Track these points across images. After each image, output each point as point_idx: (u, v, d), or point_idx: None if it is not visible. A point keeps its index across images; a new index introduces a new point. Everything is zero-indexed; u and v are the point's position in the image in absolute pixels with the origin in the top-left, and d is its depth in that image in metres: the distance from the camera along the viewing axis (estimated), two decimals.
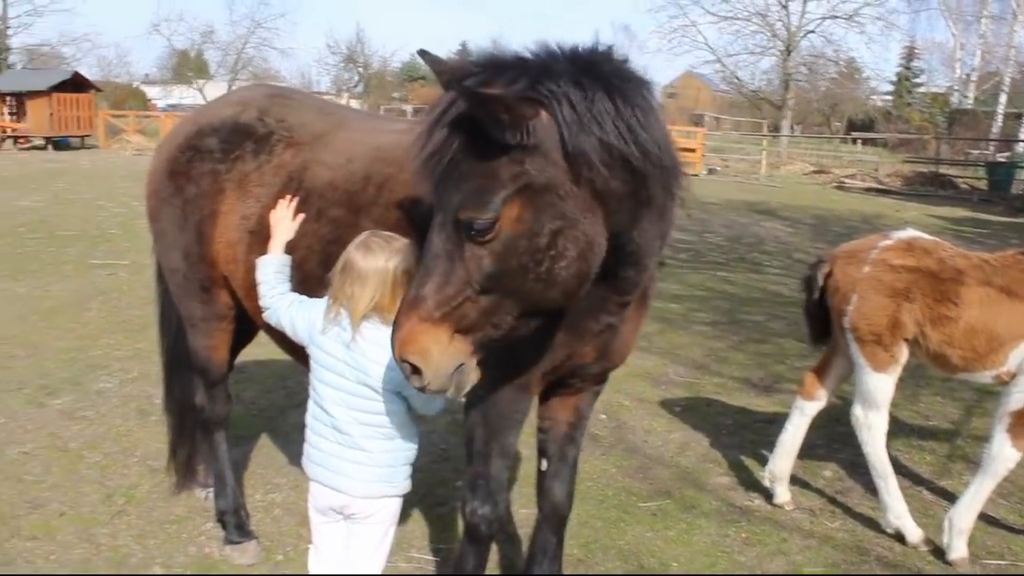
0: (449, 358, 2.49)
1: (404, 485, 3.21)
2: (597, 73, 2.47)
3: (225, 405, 4.31)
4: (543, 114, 2.39)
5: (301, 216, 3.34)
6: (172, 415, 4.67)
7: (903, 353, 4.62)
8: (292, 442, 5.60)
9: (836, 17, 43.45)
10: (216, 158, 3.75)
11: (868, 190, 28.76)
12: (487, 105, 2.31)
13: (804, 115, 54.85)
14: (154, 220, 4.01)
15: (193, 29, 79.09)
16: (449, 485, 5.16)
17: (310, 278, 3.34)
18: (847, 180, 30.72)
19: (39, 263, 11.35)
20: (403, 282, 2.91)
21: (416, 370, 2.51)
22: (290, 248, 3.32)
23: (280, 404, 6.43)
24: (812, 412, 5.15)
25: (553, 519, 3.63)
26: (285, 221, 3.32)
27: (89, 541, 4.38)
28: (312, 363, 3.16)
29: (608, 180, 2.45)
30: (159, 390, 6.41)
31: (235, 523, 4.31)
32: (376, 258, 2.94)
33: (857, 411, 4.78)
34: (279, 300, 3.25)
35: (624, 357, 3.37)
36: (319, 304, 3.14)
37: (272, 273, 3.27)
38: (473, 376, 2.61)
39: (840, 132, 49.61)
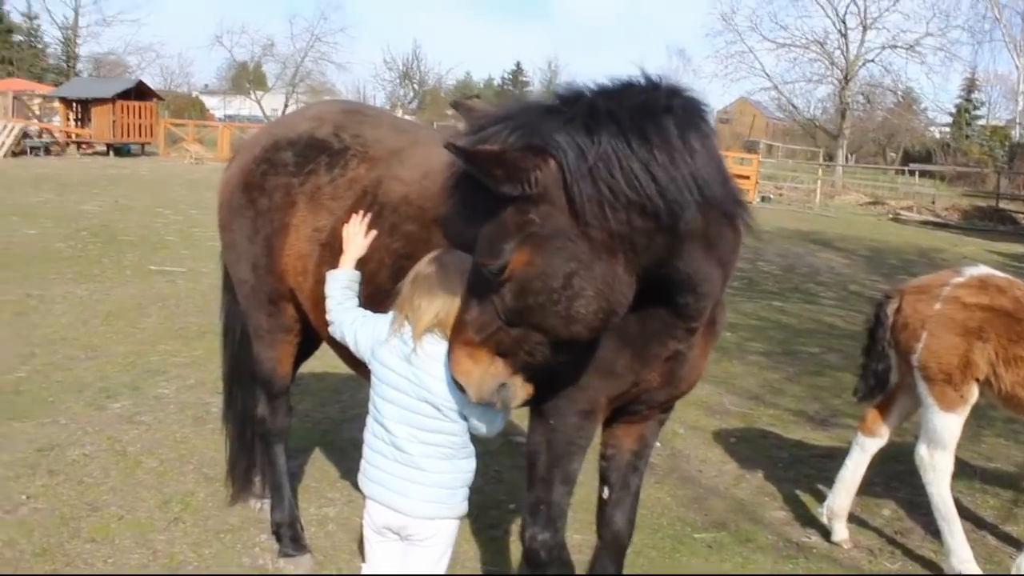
0: (490, 378, 2.65)
1: (461, 507, 3.17)
2: (616, 115, 2.45)
3: (286, 417, 4.34)
4: (551, 163, 2.41)
5: (373, 233, 3.36)
6: (232, 426, 4.71)
7: (973, 393, 4.50)
8: (346, 456, 5.62)
9: (896, 47, 42.98)
10: (290, 171, 3.80)
11: (924, 223, 28.28)
12: (478, 162, 2.38)
13: (859, 145, 54.20)
14: (225, 230, 4.07)
15: (254, 41, 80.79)
16: (503, 507, 5.12)
17: (380, 292, 3.34)
18: (903, 212, 30.25)
19: (100, 267, 11.59)
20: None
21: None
22: (361, 261, 3.33)
23: (335, 417, 6.46)
24: (873, 449, 5.04)
25: (613, 548, 3.58)
26: (357, 237, 3.33)
27: (146, 547, 4.42)
28: (373, 378, 3.15)
29: (626, 222, 2.46)
30: (216, 399, 6.55)
31: (291, 536, 4.32)
32: (448, 274, 2.94)
33: (922, 451, 4.65)
34: (345, 314, 3.26)
35: (691, 384, 3.33)
36: (383, 318, 3.13)
37: (340, 288, 3.28)
38: (520, 392, 2.74)
39: (895, 163, 48.87)
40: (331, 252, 3.52)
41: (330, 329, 3.32)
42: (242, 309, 4.19)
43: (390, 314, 3.10)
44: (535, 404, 3.24)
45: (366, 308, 3.26)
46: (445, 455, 3.06)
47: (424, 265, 2.99)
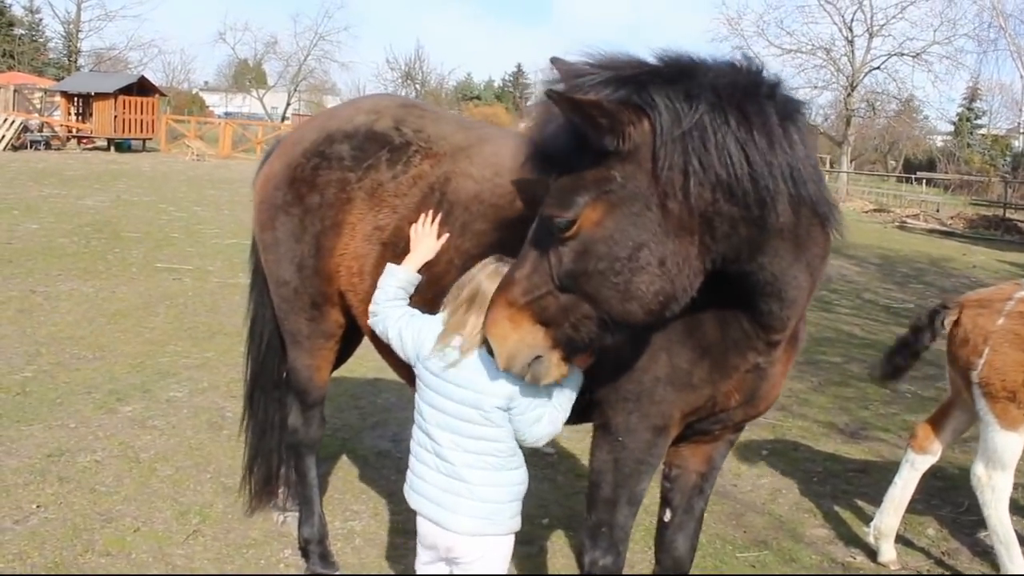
0: (525, 347, 2.47)
1: (510, 524, 2.94)
2: (720, 89, 2.29)
3: (319, 429, 4.10)
4: (645, 123, 2.27)
5: (445, 235, 3.17)
6: (252, 434, 4.45)
7: None
8: (369, 466, 5.40)
9: (903, 54, 42.79)
10: (346, 166, 3.55)
11: (931, 231, 28.09)
12: (583, 110, 2.25)
13: (860, 151, 54.09)
14: (264, 229, 3.81)
15: (257, 39, 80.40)
16: (535, 522, 4.88)
17: (448, 292, 3.10)
18: (909, 220, 30.06)
19: (105, 264, 11.34)
20: None
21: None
22: (428, 263, 3.13)
23: (354, 425, 6.21)
24: (924, 467, 4.83)
25: (673, 573, 3.35)
26: (428, 239, 3.15)
27: (164, 561, 4.19)
28: (418, 383, 2.96)
29: (711, 202, 2.30)
30: (230, 403, 6.34)
31: (320, 552, 4.09)
32: None
33: (979, 470, 4.44)
34: (392, 309, 3.08)
35: (771, 403, 3.10)
36: (433, 322, 2.94)
37: (395, 286, 3.10)
38: (555, 371, 2.54)
39: (896, 170, 48.78)
40: (393, 253, 3.31)
41: (371, 320, 3.14)
42: (277, 313, 3.93)
43: (439, 317, 2.91)
44: (601, 419, 3.04)
45: (431, 311, 3.03)
46: (491, 465, 2.85)
47: (482, 279, 2.80)
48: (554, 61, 2.63)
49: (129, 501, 4.74)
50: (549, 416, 2.81)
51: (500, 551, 2.94)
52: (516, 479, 2.93)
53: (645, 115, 2.27)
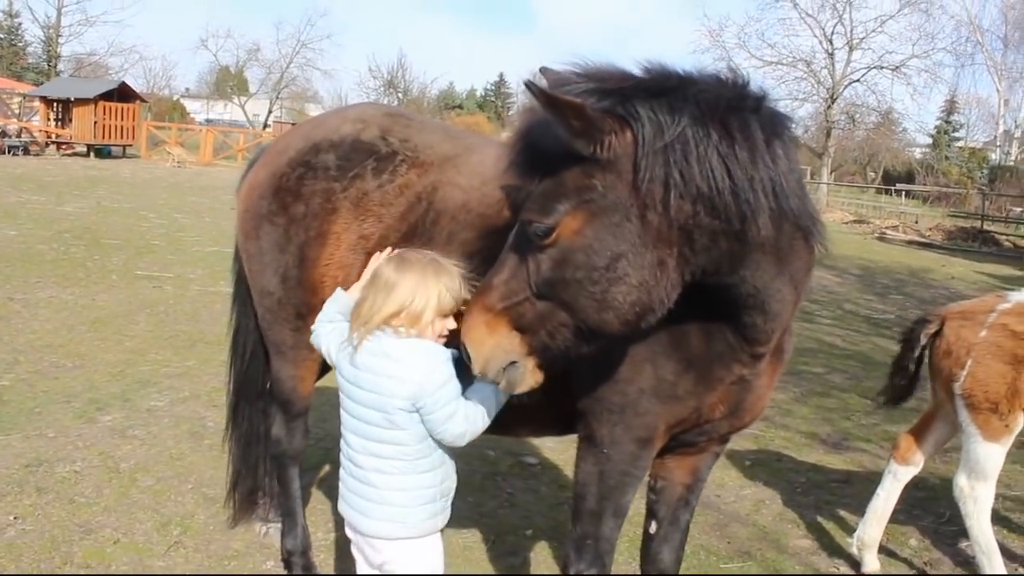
0: (501, 352, 2.45)
1: (422, 527, 2.87)
2: (704, 102, 2.29)
3: (303, 440, 4.06)
4: (627, 134, 2.27)
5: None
6: (235, 445, 4.39)
7: (1019, 422, 4.31)
8: None
9: (882, 67, 43.21)
10: (332, 176, 3.52)
11: (910, 243, 28.31)
12: (557, 108, 2.24)
13: (839, 163, 54.48)
14: (249, 239, 3.77)
15: (240, 46, 80.00)
16: (519, 533, 4.87)
17: None
18: (888, 231, 30.30)
19: (85, 271, 11.24)
20: (443, 304, 2.77)
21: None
22: None
23: (337, 435, 6.13)
24: (906, 478, 4.84)
25: None
26: None
27: (144, 573, 4.13)
28: (339, 389, 2.95)
29: (691, 215, 2.29)
30: (212, 413, 6.29)
31: (303, 564, 4.05)
32: (409, 266, 2.78)
33: (962, 481, 4.46)
34: (323, 326, 3.05)
35: (756, 415, 3.10)
36: (345, 326, 2.92)
37: (334, 309, 3.06)
38: (530, 377, 2.52)
39: (876, 182, 49.14)
40: None
41: (311, 340, 3.12)
42: (261, 324, 3.89)
43: (344, 328, 2.91)
44: (586, 431, 3.03)
45: None
46: (398, 469, 2.80)
47: (382, 265, 2.83)
48: (543, 71, 2.64)
49: (109, 512, 4.68)
50: (464, 412, 2.75)
51: (418, 554, 2.88)
52: (428, 482, 2.86)
53: (628, 126, 2.27)
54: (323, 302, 3.47)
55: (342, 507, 2.97)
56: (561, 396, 3.01)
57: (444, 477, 2.92)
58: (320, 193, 3.52)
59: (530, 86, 2.28)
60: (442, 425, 2.75)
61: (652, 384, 2.84)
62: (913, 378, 4.78)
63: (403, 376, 2.71)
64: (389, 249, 3.03)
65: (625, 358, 2.85)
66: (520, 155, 2.47)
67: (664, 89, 2.32)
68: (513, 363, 2.48)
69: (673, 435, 3.02)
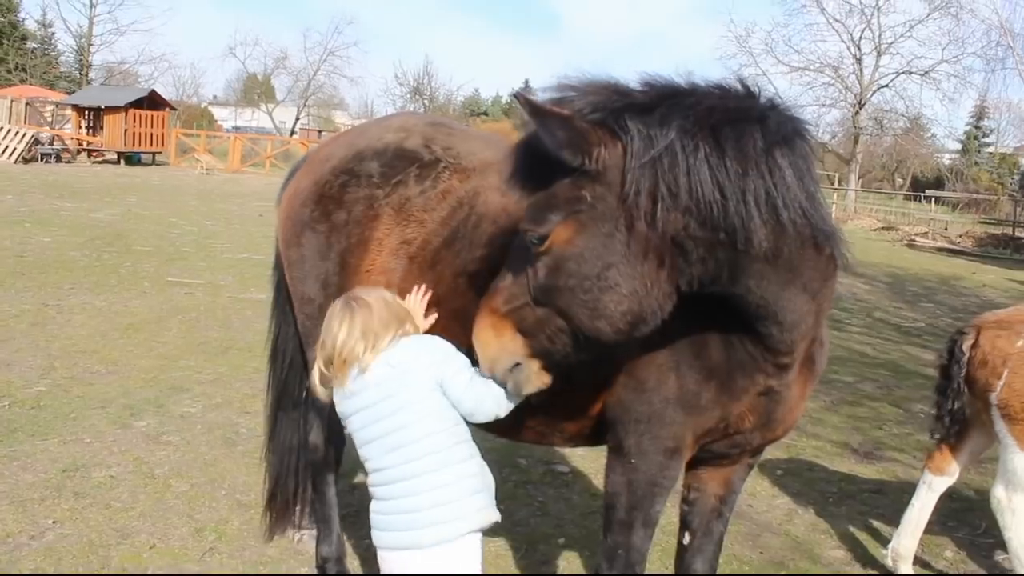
0: (506, 353, 2.53)
1: (479, 518, 2.85)
2: (697, 114, 2.31)
3: (340, 446, 4.09)
4: (618, 146, 2.31)
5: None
6: (275, 456, 4.39)
7: None
8: None
9: (911, 72, 42.84)
10: (375, 183, 3.56)
11: (939, 250, 28.04)
12: (543, 118, 2.31)
13: (867, 169, 54.04)
14: (290, 246, 3.81)
15: (267, 54, 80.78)
16: (551, 542, 4.87)
17: (472, 304, 2.98)
18: (917, 238, 30.02)
19: (117, 277, 11.38)
20: (402, 310, 2.93)
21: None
22: (454, 274, 3.11)
23: None
24: (941, 489, 4.79)
25: None
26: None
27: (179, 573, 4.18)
28: (354, 440, 2.96)
29: (682, 227, 2.31)
30: (244, 419, 6.35)
31: (337, 571, 4.07)
32: (349, 307, 2.88)
33: (999, 493, 4.40)
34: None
35: (789, 427, 3.09)
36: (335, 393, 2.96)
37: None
38: (535, 379, 2.59)
39: (904, 188, 48.68)
40: (419, 267, 3.34)
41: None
42: (301, 331, 3.93)
43: (335, 391, 2.94)
44: (614, 441, 3.03)
45: (453, 323, 3.06)
46: (439, 462, 2.78)
47: (340, 313, 2.88)
48: (523, 95, 2.69)
49: (144, 517, 4.74)
50: (481, 378, 2.75)
51: (469, 554, 2.84)
52: (469, 470, 2.86)
53: (618, 139, 2.31)
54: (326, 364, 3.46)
55: (385, 538, 2.88)
56: (591, 405, 3.03)
57: (481, 468, 2.91)
58: (363, 200, 3.56)
59: (518, 96, 2.35)
60: (468, 391, 2.76)
61: (676, 394, 2.85)
62: (963, 398, 4.58)
63: (412, 362, 2.78)
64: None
65: (651, 368, 2.86)
66: (518, 167, 2.53)
67: (658, 102, 2.35)
68: (518, 364, 2.56)
69: (704, 446, 3.02)
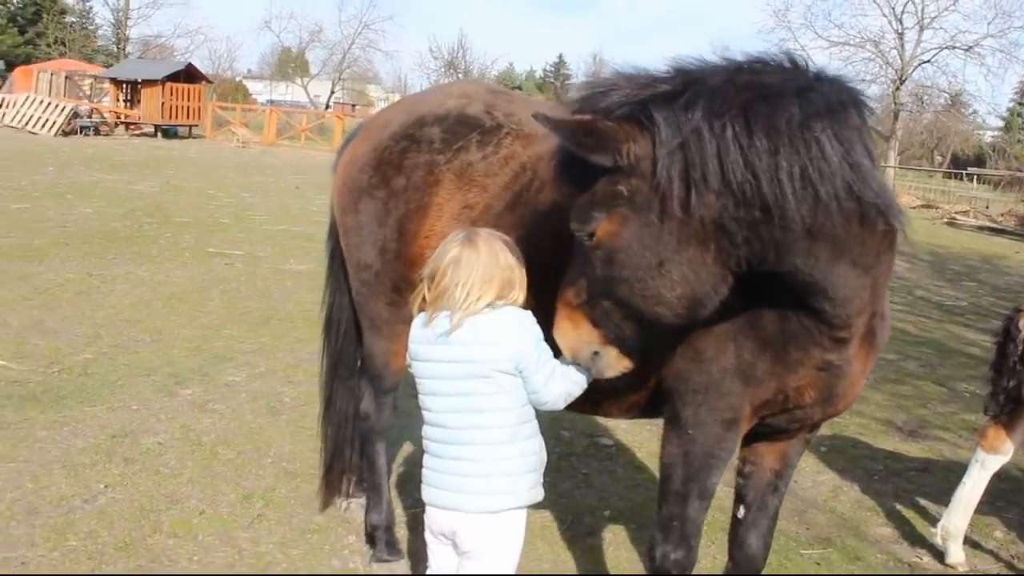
0: (583, 343, 2.61)
1: (530, 495, 2.87)
2: (725, 90, 2.31)
3: (391, 415, 4.09)
4: (647, 137, 2.34)
5: None
6: (331, 427, 4.39)
7: None
8: None
9: (955, 47, 41.95)
10: (436, 148, 3.55)
11: (981, 228, 27.53)
12: (565, 132, 2.38)
13: (905, 147, 53.15)
14: (346, 212, 3.81)
15: (302, 27, 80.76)
16: (596, 514, 4.86)
17: (543, 267, 2.98)
18: (958, 216, 29.49)
19: (158, 248, 11.49)
20: (516, 274, 2.82)
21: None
22: (519, 240, 3.04)
23: (413, 411, 6.20)
24: (995, 467, 4.72)
25: (746, 571, 3.33)
26: None
27: (230, 544, 4.22)
28: (417, 382, 2.94)
29: (721, 209, 2.31)
30: (288, 388, 6.40)
31: (386, 540, 4.09)
32: (488, 246, 2.80)
33: None
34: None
35: (850, 402, 3.05)
36: (416, 321, 2.94)
37: None
38: (616, 364, 2.66)
39: (944, 166, 47.85)
40: None
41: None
42: (356, 298, 3.92)
43: (419, 317, 2.91)
44: (670, 412, 3.01)
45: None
46: (505, 437, 2.79)
47: (455, 248, 2.79)
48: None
49: (193, 484, 4.79)
50: (562, 371, 2.79)
51: (514, 528, 2.87)
52: (531, 448, 2.88)
53: (646, 130, 2.32)
54: (419, 279, 3.48)
55: (433, 495, 2.89)
56: (651, 377, 3.00)
57: (542, 447, 2.93)
58: (423, 166, 3.55)
59: (537, 117, 2.43)
60: (545, 384, 2.77)
61: (734, 364, 2.84)
62: (1020, 376, 4.50)
63: (501, 341, 2.74)
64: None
65: (708, 338, 2.83)
66: (560, 168, 2.61)
67: (685, 87, 2.35)
68: (597, 353, 2.63)
69: (764, 420, 2.99)
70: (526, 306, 2.86)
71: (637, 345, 2.61)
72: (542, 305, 2.83)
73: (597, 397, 3.03)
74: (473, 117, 3.58)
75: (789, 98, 2.30)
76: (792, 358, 2.79)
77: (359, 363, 4.21)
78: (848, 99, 2.38)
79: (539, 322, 2.82)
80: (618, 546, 4.55)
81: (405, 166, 3.58)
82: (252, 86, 74.94)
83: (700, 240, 2.35)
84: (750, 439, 3.17)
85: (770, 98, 2.30)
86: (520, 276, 2.82)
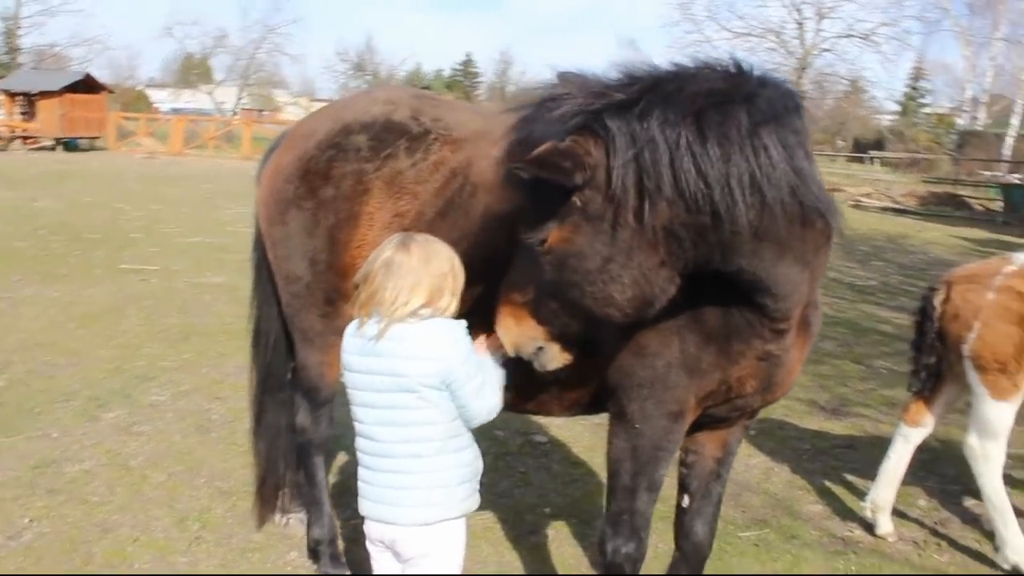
0: (527, 339, 2.67)
1: (465, 505, 2.88)
2: (678, 98, 2.35)
3: (328, 428, 4.03)
4: (601, 148, 2.37)
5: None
6: (262, 442, 4.30)
7: None
8: None
9: (852, 36, 43.44)
10: (363, 156, 3.49)
11: (884, 209, 28.53)
12: (548, 166, 2.37)
13: (809, 132, 54.66)
14: (272, 224, 3.73)
15: (206, 33, 78.79)
16: (537, 511, 4.89)
17: (472, 274, 2.95)
18: (863, 199, 30.50)
19: (67, 266, 11.08)
20: (447, 282, 2.78)
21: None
22: (454, 243, 3.01)
23: (346, 421, 6.13)
24: (917, 440, 4.92)
25: (693, 559, 3.39)
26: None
27: (169, 570, 4.11)
28: (349, 394, 2.91)
29: (671, 216, 2.37)
30: (215, 405, 6.25)
31: (330, 554, 4.04)
32: (421, 252, 2.77)
33: (973, 441, 4.54)
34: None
35: (787, 389, 3.14)
36: (349, 327, 2.90)
37: None
38: (558, 358, 2.73)
39: (845, 151, 49.42)
40: None
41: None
42: (286, 310, 3.84)
43: (352, 323, 2.88)
44: (616, 408, 3.04)
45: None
46: (435, 450, 2.79)
47: (389, 252, 2.76)
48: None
49: (124, 510, 4.64)
50: (490, 383, 2.81)
51: (456, 537, 2.88)
52: (464, 459, 2.87)
53: (601, 139, 2.35)
54: (354, 287, 3.43)
55: (368, 508, 2.88)
56: (592, 374, 3.03)
57: (476, 456, 2.93)
58: (351, 175, 3.50)
59: (516, 168, 2.42)
60: (474, 399, 2.76)
61: (679, 358, 2.89)
62: (937, 353, 4.70)
63: (428, 355, 2.71)
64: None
65: (652, 333, 2.87)
66: (507, 177, 2.61)
67: (639, 95, 2.37)
68: (540, 348, 2.69)
69: (706, 410, 3.05)
70: (460, 310, 2.84)
71: (582, 340, 2.69)
72: (477, 309, 2.84)
73: (540, 396, 3.05)
74: (400, 123, 3.54)
75: (738, 104, 2.35)
76: (735, 350, 2.87)
77: (290, 376, 4.14)
78: (791, 104, 2.46)
79: (474, 325, 2.82)
80: (561, 542, 4.58)
81: (333, 175, 3.52)
82: (155, 94, 72.78)
83: (651, 245, 2.41)
84: (692, 429, 3.23)
85: (721, 105, 2.35)
86: (452, 284, 2.78)
